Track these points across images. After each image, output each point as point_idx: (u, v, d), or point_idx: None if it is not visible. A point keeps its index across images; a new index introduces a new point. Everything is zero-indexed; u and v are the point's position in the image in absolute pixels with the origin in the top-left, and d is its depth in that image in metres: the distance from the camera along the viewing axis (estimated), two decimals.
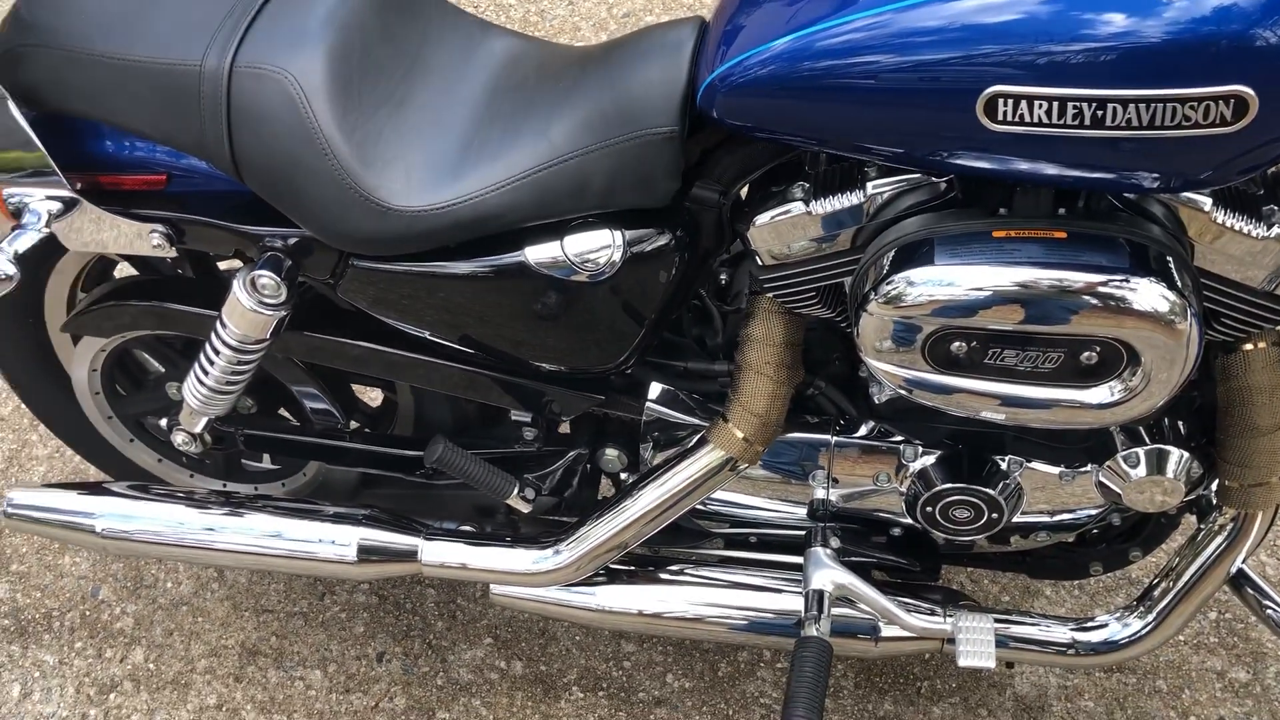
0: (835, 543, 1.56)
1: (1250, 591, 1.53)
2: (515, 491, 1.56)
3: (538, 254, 1.34)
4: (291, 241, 1.40)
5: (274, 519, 1.64)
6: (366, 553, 1.60)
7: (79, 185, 1.40)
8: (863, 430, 1.52)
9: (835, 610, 1.55)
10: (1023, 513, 1.51)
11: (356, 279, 1.40)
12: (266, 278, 1.39)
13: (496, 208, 1.31)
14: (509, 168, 1.31)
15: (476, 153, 1.34)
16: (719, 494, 1.60)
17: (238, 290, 1.40)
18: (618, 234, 1.33)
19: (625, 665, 1.87)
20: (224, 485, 1.85)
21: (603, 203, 1.32)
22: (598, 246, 1.33)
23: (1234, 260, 1.22)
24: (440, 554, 1.59)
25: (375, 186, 1.31)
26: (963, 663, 1.46)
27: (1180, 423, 1.42)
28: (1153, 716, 1.78)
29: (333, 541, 1.60)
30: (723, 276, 1.54)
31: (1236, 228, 1.20)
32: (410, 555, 1.60)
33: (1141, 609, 1.52)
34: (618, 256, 1.34)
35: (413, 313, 1.43)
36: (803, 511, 1.61)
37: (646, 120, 1.27)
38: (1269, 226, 1.20)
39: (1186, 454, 1.39)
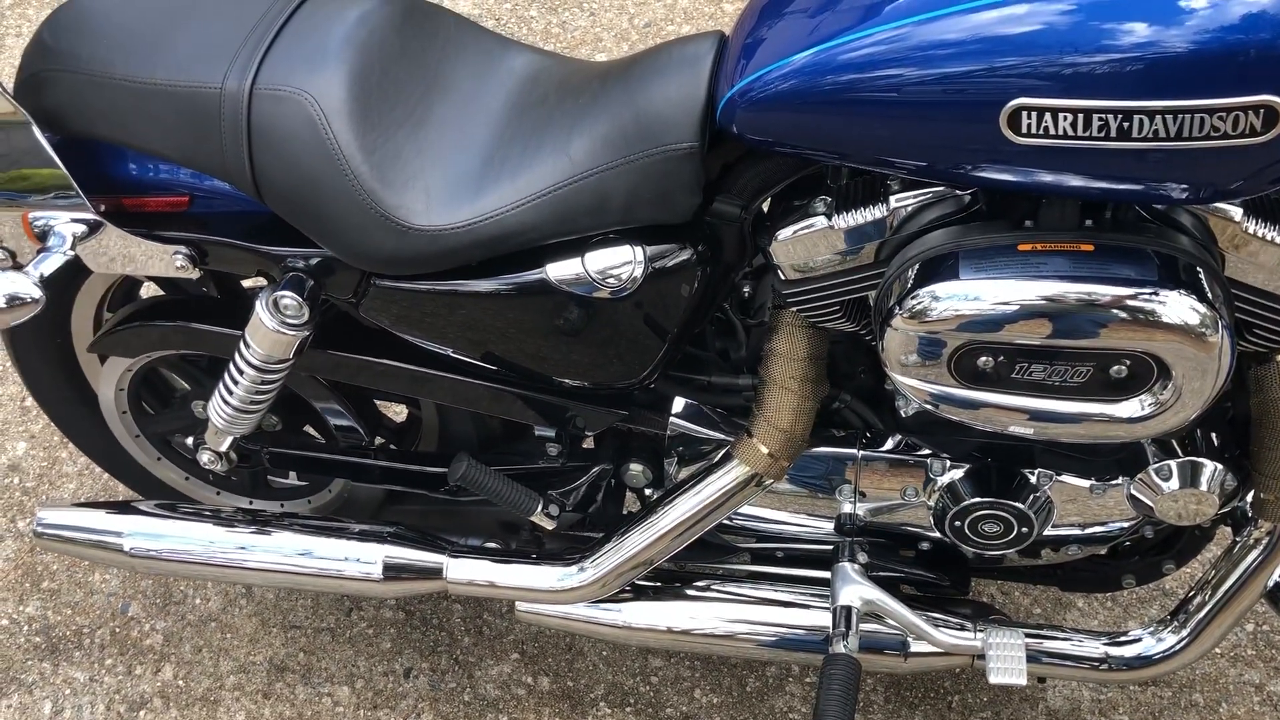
0: (863, 558, 1.55)
1: None
2: (540, 508, 1.55)
3: (559, 271, 1.34)
4: (313, 262, 1.40)
5: (300, 537, 1.64)
6: (392, 570, 1.60)
7: (102, 208, 1.41)
8: (889, 444, 1.51)
9: (864, 626, 1.54)
10: (1053, 526, 1.49)
11: (379, 298, 1.40)
12: (289, 298, 1.39)
13: (517, 225, 1.31)
14: (529, 185, 1.31)
15: (497, 170, 1.33)
16: (745, 509, 1.59)
17: (260, 311, 1.41)
18: (639, 250, 1.32)
19: (652, 680, 1.86)
20: (250, 503, 1.86)
21: (624, 219, 1.32)
22: (619, 263, 1.33)
23: (1266, 270, 1.20)
24: (465, 571, 1.59)
25: (396, 206, 1.31)
26: (994, 679, 1.44)
27: (1213, 434, 1.40)
28: None
29: (358, 559, 1.60)
30: (746, 290, 1.53)
31: (1268, 237, 1.18)
32: (436, 573, 1.60)
33: (1176, 623, 1.49)
34: (639, 272, 1.33)
35: (435, 330, 1.43)
36: (830, 526, 1.59)
37: (666, 136, 1.27)
38: None
39: (1220, 466, 1.37)
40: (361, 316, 1.44)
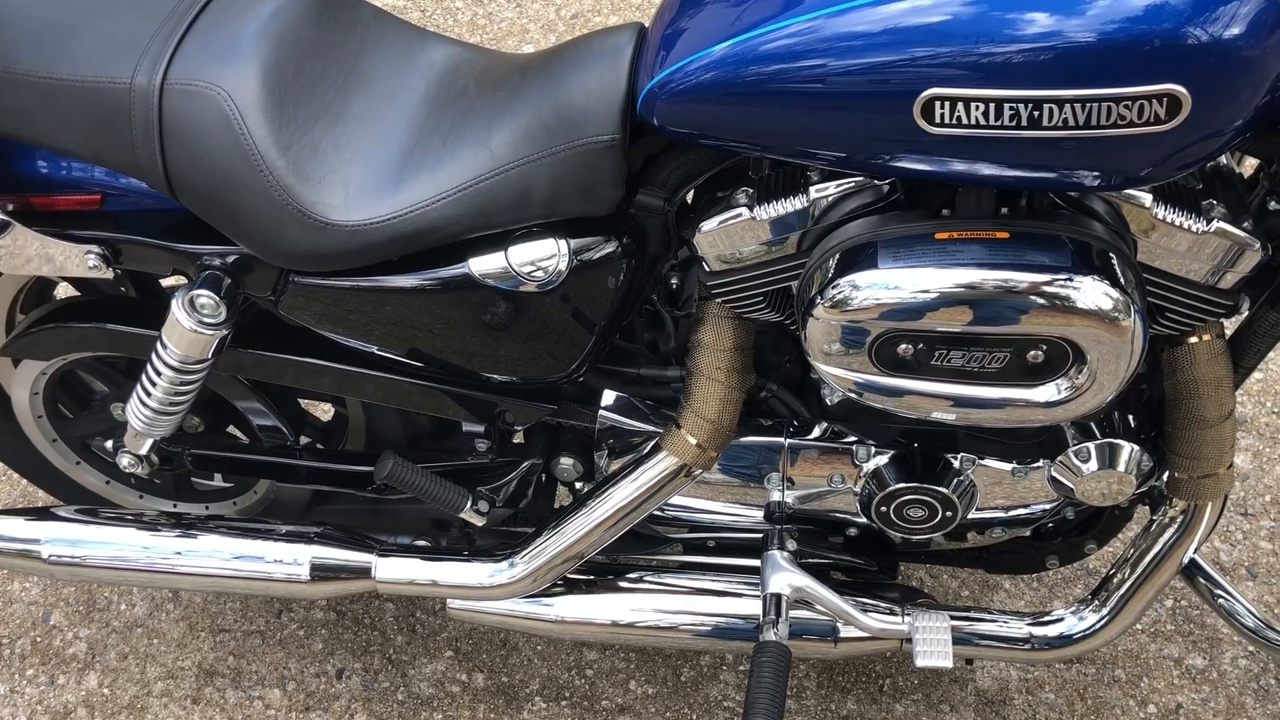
0: (792, 545, 1.56)
1: (1202, 581, 1.54)
2: (468, 505, 1.54)
3: (482, 265, 1.33)
4: (230, 259, 1.37)
5: (226, 539, 1.62)
6: (320, 571, 1.57)
7: (10, 207, 1.37)
8: (816, 432, 1.52)
9: (794, 613, 1.55)
10: (977, 509, 1.51)
11: (298, 295, 1.38)
12: (205, 297, 1.36)
13: (438, 220, 1.29)
14: (450, 179, 1.30)
15: (417, 164, 1.32)
16: (676, 499, 1.59)
17: (176, 310, 1.38)
18: (563, 243, 1.32)
19: (588, 674, 1.86)
20: (174, 506, 1.82)
21: (546, 212, 1.31)
22: (543, 256, 1.32)
23: (1176, 255, 1.23)
24: (394, 570, 1.57)
25: (313, 201, 1.29)
26: (920, 663, 1.46)
27: (1130, 416, 1.43)
28: (1112, 706, 1.79)
29: (285, 561, 1.58)
30: (674, 281, 1.53)
31: (1177, 223, 1.20)
32: (364, 572, 1.58)
33: (1096, 602, 1.52)
34: (563, 265, 1.32)
35: (358, 327, 1.41)
36: (760, 515, 1.60)
37: (587, 129, 1.26)
38: (1208, 221, 1.21)
39: (1137, 447, 1.40)
40: (282, 314, 1.42)
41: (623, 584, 1.65)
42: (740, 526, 1.64)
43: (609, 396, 1.54)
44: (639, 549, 1.70)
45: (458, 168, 1.30)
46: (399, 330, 1.41)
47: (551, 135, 1.28)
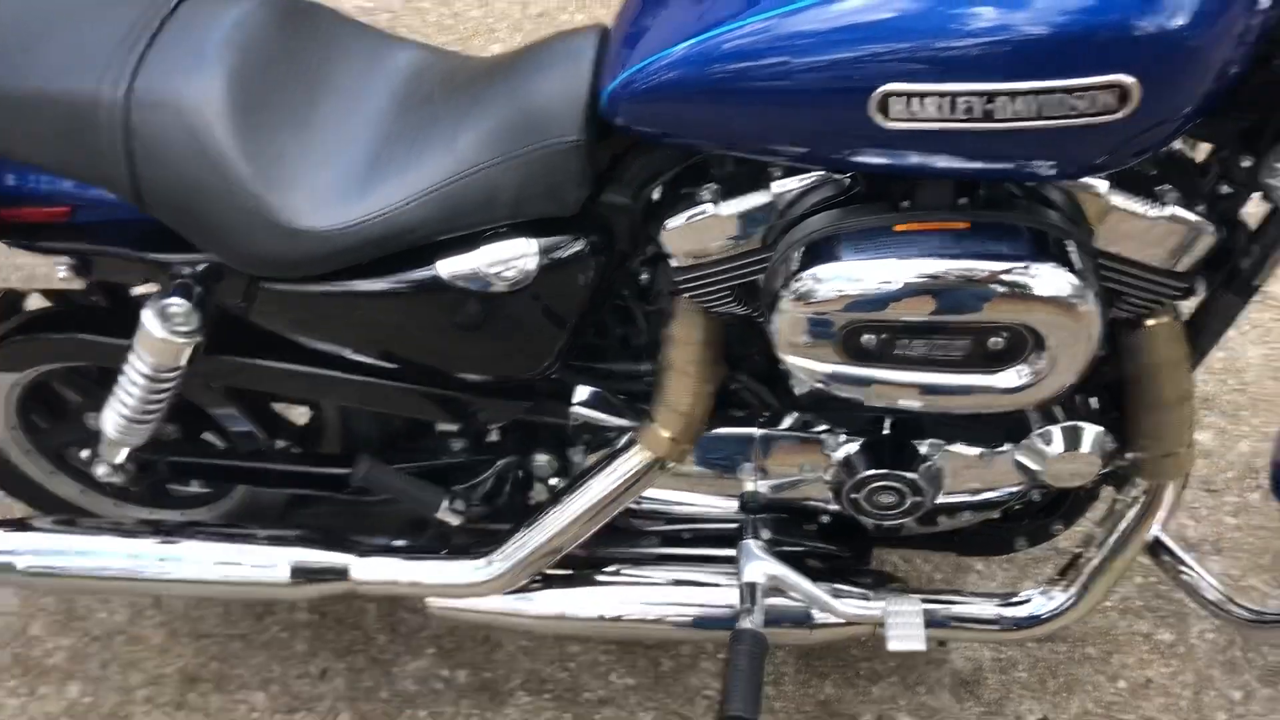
0: (766, 534, 1.58)
1: (1167, 558, 1.57)
2: (445, 504, 1.56)
3: (451, 267, 1.34)
4: (201, 268, 1.38)
5: (204, 545, 1.62)
6: (299, 574, 1.58)
7: None
8: (787, 422, 1.54)
9: (770, 601, 1.57)
10: (947, 494, 1.53)
11: (269, 302, 1.39)
12: (176, 305, 1.37)
13: (406, 223, 1.31)
14: (417, 182, 1.31)
15: (384, 169, 1.33)
16: (652, 492, 1.61)
17: (147, 319, 1.38)
18: (531, 243, 1.33)
19: (570, 667, 1.88)
20: (151, 513, 1.83)
21: (513, 213, 1.32)
22: (511, 256, 1.33)
23: (1133, 240, 1.26)
24: (372, 571, 1.59)
25: (282, 208, 1.30)
26: (893, 646, 1.49)
27: (1092, 399, 1.46)
28: (1084, 682, 1.82)
29: (264, 564, 1.59)
30: (644, 277, 1.54)
31: (1132, 209, 1.23)
32: (342, 573, 1.59)
33: (1064, 582, 1.55)
34: (532, 265, 1.34)
35: (330, 332, 1.42)
36: (734, 505, 1.62)
37: (551, 130, 1.28)
38: (1162, 206, 1.23)
39: (1099, 429, 1.43)
40: (254, 321, 1.43)
41: (601, 578, 1.66)
42: (716, 517, 1.66)
43: (582, 392, 1.55)
44: (617, 543, 1.72)
45: (425, 171, 1.31)
46: (371, 333, 1.42)
47: (516, 137, 1.29)
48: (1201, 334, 1.38)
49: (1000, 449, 1.48)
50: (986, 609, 1.57)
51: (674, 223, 1.31)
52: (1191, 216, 1.23)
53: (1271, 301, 2.23)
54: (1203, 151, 1.35)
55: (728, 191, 1.29)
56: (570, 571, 1.66)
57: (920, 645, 1.48)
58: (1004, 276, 1.19)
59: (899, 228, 1.22)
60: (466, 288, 1.35)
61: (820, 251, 1.24)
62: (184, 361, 1.43)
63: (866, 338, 1.26)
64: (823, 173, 1.26)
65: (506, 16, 2.93)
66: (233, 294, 1.40)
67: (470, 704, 1.85)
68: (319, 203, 1.31)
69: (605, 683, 1.86)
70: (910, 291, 1.20)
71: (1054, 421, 1.43)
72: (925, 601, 1.56)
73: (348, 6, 2.83)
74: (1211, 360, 2.15)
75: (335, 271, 1.35)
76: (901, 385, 1.30)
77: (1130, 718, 1.79)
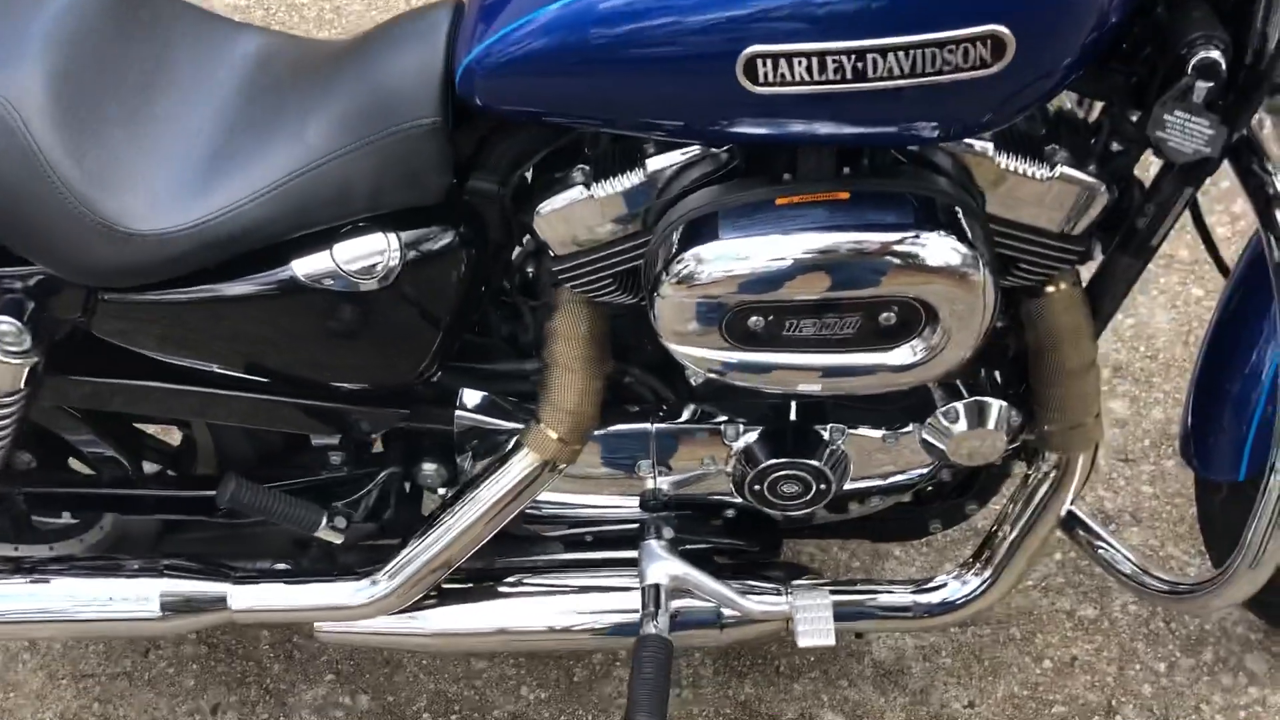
0: (669, 533, 1.51)
1: (1081, 532, 1.53)
2: (324, 522, 1.46)
3: (307, 267, 1.25)
4: (32, 281, 1.27)
5: (70, 581, 1.51)
6: (170, 606, 1.48)
7: None
8: (685, 415, 1.47)
9: (680, 602, 1.50)
10: (853, 479, 1.47)
11: (110, 315, 1.28)
12: (6, 324, 1.26)
13: (252, 222, 1.21)
14: (263, 177, 1.22)
15: (227, 164, 1.23)
16: (549, 496, 1.53)
17: None
18: (392, 237, 1.24)
19: (476, 684, 1.79)
20: (15, 549, 1.70)
21: (371, 205, 1.23)
22: (371, 252, 1.24)
23: (1025, 204, 1.21)
24: (251, 598, 1.48)
25: (115, 211, 1.19)
26: (802, 643, 1.42)
27: (996, 373, 1.41)
28: (1009, 665, 1.78)
29: (132, 598, 1.48)
30: (529, 270, 1.46)
31: (1020, 170, 1.18)
32: (219, 603, 1.48)
33: (978, 565, 1.50)
34: (395, 261, 1.25)
35: (182, 344, 1.32)
36: (636, 504, 1.55)
37: (406, 113, 1.19)
38: (1051, 167, 1.18)
39: (1004, 403, 1.38)
40: (99, 336, 1.32)
41: (501, 589, 1.58)
42: (618, 518, 1.58)
43: (465, 395, 1.46)
44: (517, 551, 1.63)
45: (271, 164, 1.22)
46: (228, 344, 1.32)
47: (369, 123, 1.21)
48: (1102, 299, 1.33)
49: (905, 430, 1.42)
50: (900, 597, 1.51)
51: (546, 208, 1.23)
52: (1082, 176, 1.19)
53: (1178, 265, 2.21)
54: (1094, 112, 1.30)
55: (601, 172, 1.22)
56: (468, 585, 1.58)
57: (830, 640, 1.42)
58: (891, 247, 1.13)
59: (780, 201, 1.16)
60: (326, 289, 1.26)
61: (700, 231, 1.18)
62: (23, 384, 1.32)
63: (754, 320, 1.19)
64: (699, 148, 1.19)
65: (392, 8, 2.82)
66: (69, 308, 1.28)
67: None
68: (156, 203, 1.21)
69: (515, 698, 1.78)
70: (794, 268, 1.14)
71: (958, 398, 1.38)
72: (837, 593, 1.49)
73: (218, 5, 2.72)
74: (1121, 327, 2.15)
75: (182, 278, 1.25)
76: (793, 369, 1.23)
77: (1057, 698, 1.75)
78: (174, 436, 1.78)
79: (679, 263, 1.17)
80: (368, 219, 1.24)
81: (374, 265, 1.24)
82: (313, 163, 1.21)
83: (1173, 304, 2.18)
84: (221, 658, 1.83)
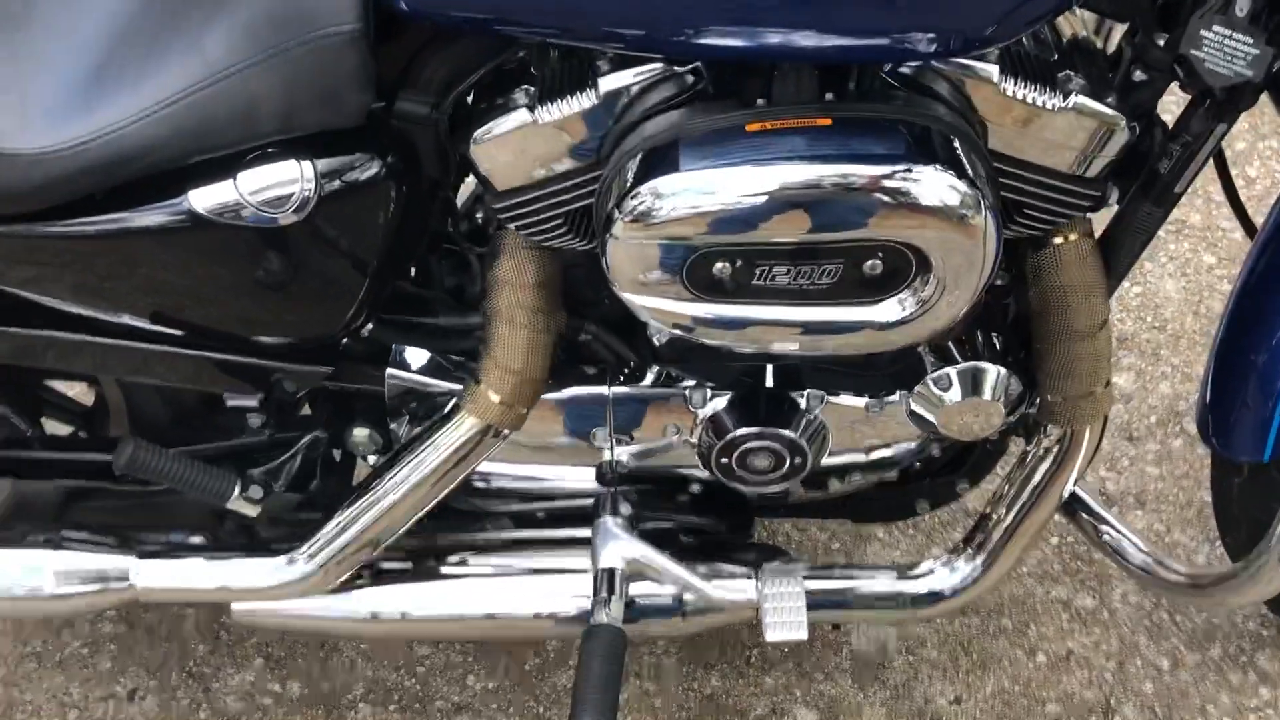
0: (627, 509, 1.36)
1: (1085, 516, 1.38)
2: (237, 492, 1.30)
3: (207, 198, 1.08)
4: None
5: None
6: (66, 583, 1.32)
7: None
8: (646, 378, 1.31)
9: (636, 587, 1.35)
10: (832, 453, 1.32)
11: None
12: None
13: (141, 142, 1.05)
14: (156, 91, 1.05)
15: (115, 77, 1.07)
16: (496, 467, 1.38)
17: None
18: (306, 165, 1.08)
19: (419, 671, 1.64)
20: None
21: (281, 127, 1.07)
22: (280, 181, 1.08)
23: (1033, 140, 1.06)
24: (158, 575, 1.33)
25: None
26: (770, 637, 1.27)
27: (995, 336, 1.26)
28: (999, 658, 1.64)
29: (23, 572, 1.33)
30: (478, 215, 1.31)
31: (1029, 99, 1.03)
32: (121, 579, 1.33)
33: (969, 550, 1.35)
34: (310, 192, 1.09)
35: (70, 288, 1.16)
36: (592, 476, 1.39)
37: (321, 18, 1.03)
38: (1065, 96, 1.03)
39: (1003, 370, 1.23)
40: None
41: (444, 570, 1.43)
42: (572, 492, 1.43)
43: (400, 352, 1.31)
44: (462, 527, 1.48)
45: (165, 78, 1.06)
46: (121, 288, 1.16)
47: (278, 30, 1.04)
48: (1117, 253, 1.19)
49: (891, 398, 1.27)
50: (882, 584, 1.36)
51: (484, 134, 1.08)
52: (1100, 108, 1.04)
53: (1190, 231, 2.07)
54: (1112, 43, 1.15)
55: (547, 93, 1.06)
56: (407, 565, 1.43)
57: (801, 634, 1.27)
58: (878, 183, 0.98)
59: (752, 127, 1.00)
60: (231, 224, 1.10)
61: (659, 161, 1.02)
62: None
63: (719, 266, 1.04)
64: (661, 66, 1.04)
65: None
66: None
67: None
68: (28, 120, 1.05)
69: (461, 687, 1.63)
70: (765, 205, 0.99)
71: (951, 363, 1.23)
72: (811, 579, 1.34)
73: None
74: (1127, 296, 2.01)
75: (61, 207, 1.08)
76: (765, 324, 1.08)
77: (1050, 695, 1.60)
78: (91, 397, 1.62)
79: (634, 197, 1.01)
80: (278, 144, 1.08)
81: (285, 197, 1.08)
82: (211, 77, 1.05)
83: (1183, 272, 2.03)
84: (142, 638, 1.68)
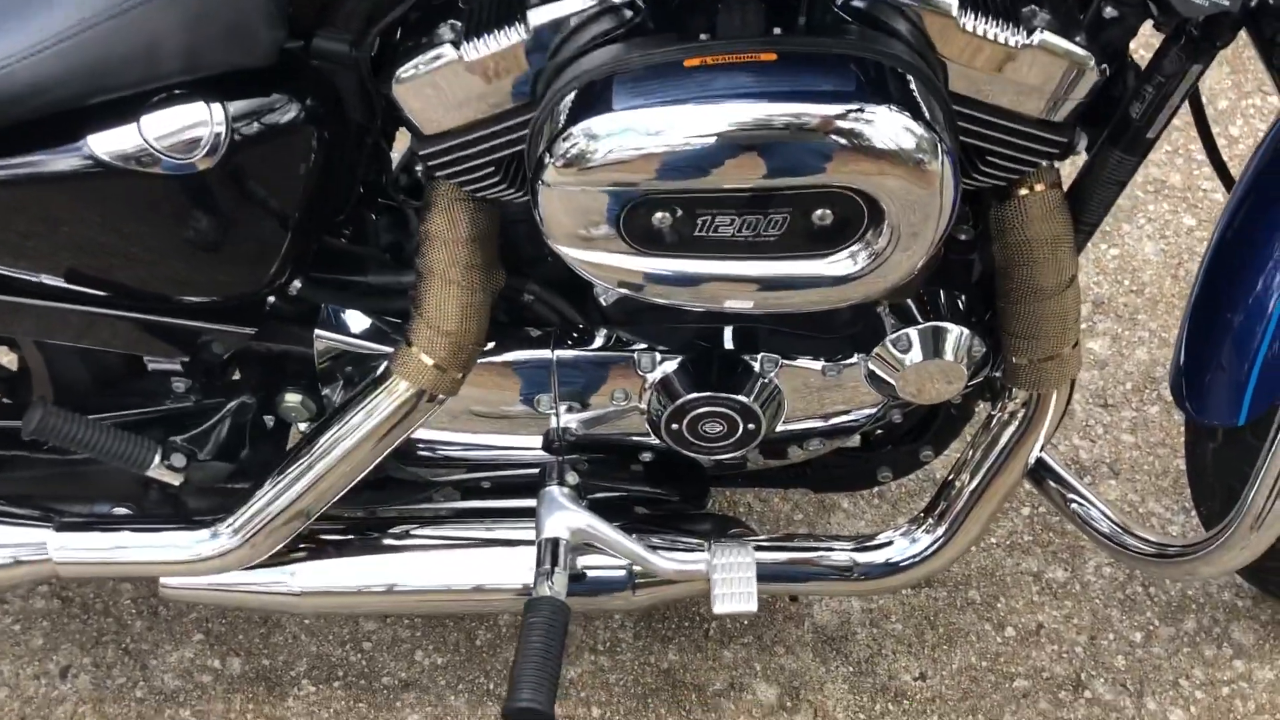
0: (573, 478, 1.29)
1: (1053, 484, 1.32)
2: (157, 459, 1.23)
3: (107, 143, 1.01)
4: None
5: None
6: None
7: None
8: (594, 341, 1.25)
9: (585, 559, 1.29)
10: (789, 419, 1.26)
11: None
12: None
13: (33, 81, 0.98)
14: (48, 26, 0.98)
15: (3, 12, 0.99)
16: (437, 434, 1.31)
17: None
18: (216, 107, 1.01)
19: (365, 647, 1.58)
20: None
21: (187, 66, 1.00)
22: (187, 124, 1.01)
23: (996, 80, 0.99)
24: (74, 547, 1.26)
25: None
26: (718, 609, 1.21)
27: (958, 295, 1.19)
28: (966, 632, 1.58)
29: None
30: (417, 169, 1.23)
31: (991, 35, 0.96)
32: (38, 551, 1.26)
33: (930, 520, 1.29)
34: (220, 137, 1.01)
35: None
36: (539, 444, 1.33)
37: None
38: (1030, 32, 0.96)
39: (966, 330, 1.17)
40: None
41: (386, 541, 1.37)
42: (519, 461, 1.36)
43: (328, 312, 1.24)
44: (405, 498, 1.42)
45: (59, 11, 0.99)
46: (25, 241, 1.08)
47: None
48: (1087, 204, 1.12)
49: (849, 361, 1.21)
50: (839, 555, 1.30)
51: (407, 73, 1.01)
52: (1067, 45, 0.98)
53: (1169, 192, 2.00)
54: None
55: (475, 29, 0.99)
56: (348, 536, 1.36)
57: (750, 606, 1.21)
58: (827, 123, 0.91)
59: (690, 63, 0.93)
60: (136, 170, 1.02)
61: (592, 101, 0.95)
62: None
63: (658, 216, 0.97)
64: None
65: None
66: None
67: (244, 698, 1.54)
68: None
69: (409, 663, 1.57)
70: (704, 149, 0.91)
71: (911, 324, 1.16)
72: (766, 549, 1.28)
73: None
74: (1104, 258, 1.94)
75: None
76: (708, 279, 1.01)
77: (1019, 670, 1.55)
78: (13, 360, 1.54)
79: (566, 140, 0.94)
80: (185, 85, 1.01)
81: (193, 141, 1.01)
82: (111, 10, 0.98)
83: (1161, 234, 1.96)
84: (76, 613, 1.61)
